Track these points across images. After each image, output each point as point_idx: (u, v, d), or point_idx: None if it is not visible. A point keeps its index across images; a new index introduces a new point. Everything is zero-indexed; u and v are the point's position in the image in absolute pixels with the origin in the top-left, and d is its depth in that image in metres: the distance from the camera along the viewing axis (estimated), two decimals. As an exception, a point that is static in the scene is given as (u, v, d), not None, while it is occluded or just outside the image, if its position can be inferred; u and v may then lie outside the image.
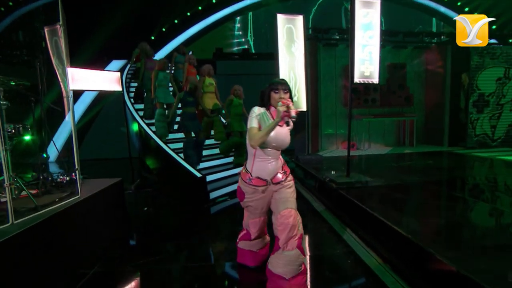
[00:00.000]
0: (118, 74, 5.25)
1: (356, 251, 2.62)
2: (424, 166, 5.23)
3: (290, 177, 2.06)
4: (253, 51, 11.84)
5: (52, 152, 7.66)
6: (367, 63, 3.66)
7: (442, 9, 13.92)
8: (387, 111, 7.60)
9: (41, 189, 2.62)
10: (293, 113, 1.72)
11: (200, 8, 11.90)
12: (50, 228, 2.06)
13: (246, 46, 12.15)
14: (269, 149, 1.93)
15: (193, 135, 4.72)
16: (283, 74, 5.44)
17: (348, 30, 5.64)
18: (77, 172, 2.59)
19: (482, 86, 6.96)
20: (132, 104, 5.90)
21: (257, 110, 1.93)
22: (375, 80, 3.73)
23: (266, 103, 1.96)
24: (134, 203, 4.34)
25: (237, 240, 2.36)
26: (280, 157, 2.03)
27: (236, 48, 12.19)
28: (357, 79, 3.68)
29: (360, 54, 3.64)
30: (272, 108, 1.96)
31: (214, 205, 4.13)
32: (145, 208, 4.11)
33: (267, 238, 2.37)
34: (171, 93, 5.70)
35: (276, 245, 1.99)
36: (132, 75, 7.29)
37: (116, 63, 9.47)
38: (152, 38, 11.34)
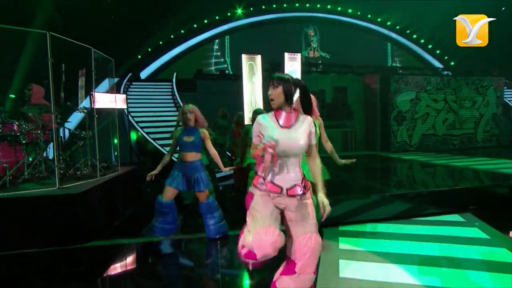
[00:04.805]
0: (124, 96, 7.65)
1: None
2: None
3: (309, 194, 1.94)
4: (230, 71, 14.44)
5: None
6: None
7: (394, 35, 17.21)
8: (333, 124, 10.35)
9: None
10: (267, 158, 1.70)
11: (182, 31, 14.52)
12: (112, 184, 4.40)
13: (224, 66, 14.78)
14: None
15: None
16: (246, 97, 8.04)
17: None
18: (118, 158, 4.96)
19: (399, 105, 9.89)
20: (133, 117, 8.24)
21: (258, 120, 1.87)
22: (298, 105, 6.35)
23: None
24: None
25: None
26: (300, 168, 1.89)
27: (214, 67, 14.77)
28: (286, 104, 6.29)
29: (288, 89, 6.27)
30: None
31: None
32: (148, 189, 6.44)
33: None
34: None
35: (292, 268, 1.85)
36: None
37: (107, 82, 11.60)
38: (139, 56, 13.80)
